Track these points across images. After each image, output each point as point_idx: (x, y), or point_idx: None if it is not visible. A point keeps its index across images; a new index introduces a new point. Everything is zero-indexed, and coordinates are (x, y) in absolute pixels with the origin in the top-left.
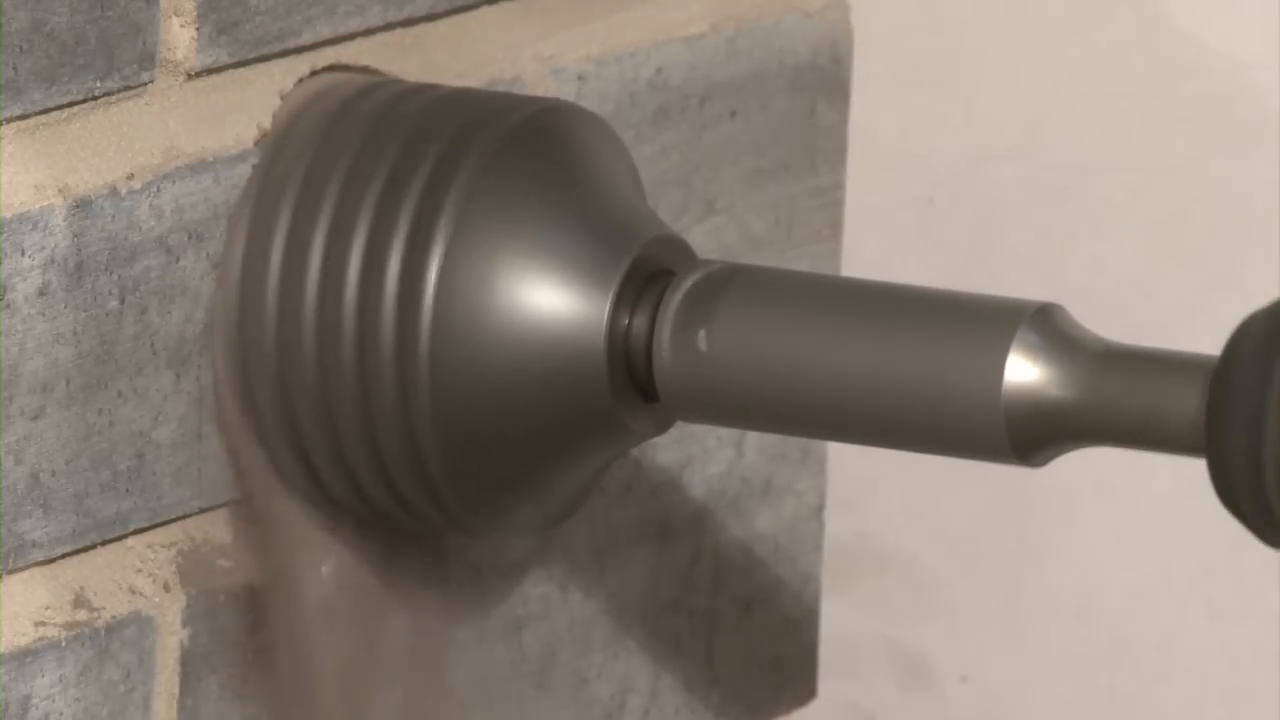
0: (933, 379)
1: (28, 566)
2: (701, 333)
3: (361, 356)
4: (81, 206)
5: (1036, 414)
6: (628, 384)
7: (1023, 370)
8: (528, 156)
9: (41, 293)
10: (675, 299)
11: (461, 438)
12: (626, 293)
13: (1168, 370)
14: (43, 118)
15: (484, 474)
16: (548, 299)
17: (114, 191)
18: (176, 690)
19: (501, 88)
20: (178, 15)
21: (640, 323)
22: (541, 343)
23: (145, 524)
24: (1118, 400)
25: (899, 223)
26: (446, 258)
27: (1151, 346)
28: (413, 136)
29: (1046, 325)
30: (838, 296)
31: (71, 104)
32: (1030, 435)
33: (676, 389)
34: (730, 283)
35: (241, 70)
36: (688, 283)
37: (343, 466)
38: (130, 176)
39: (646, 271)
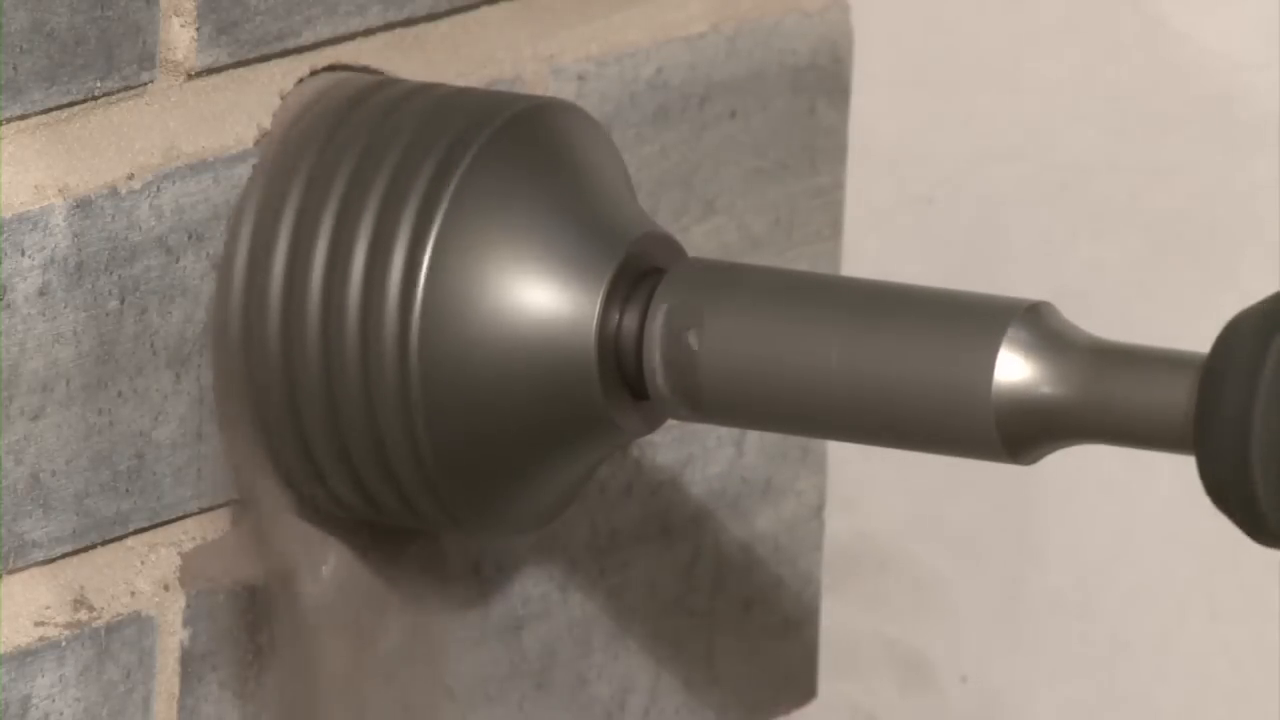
0: (923, 376)
1: (28, 566)
2: (691, 331)
3: (364, 353)
4: (81, 206)
5: (1027, 411)
6: (618, 382)
7: (1013, 368)
8: (518, 155)
9: (41, 293)
10: (665, 297)
11: (454, 433)
12: (617, 291)
13: (1157, 368)
14: (43, 118)
15: (476, 469)
16: (538, 297)
17: (114, 191)
18: (176, 690)
19: (502, 88)
20: (178, 15)
21: (630, 321)
22: (532, 340)
23: (145, 524)
24: (1108, 398)
25: (899, 223)
26: (436, 255)
27: (1142, 344)
28: (414, 137)
29: (1037, 323)
30: (828, 295)
31: (71, 104)
32: (1021, 432)
33: (667, 387)
34: (720, 281)
35: (241, 70)
36: (678, 281)
37: (346, 463)
38: (130, 176)
39: (637, 269)
